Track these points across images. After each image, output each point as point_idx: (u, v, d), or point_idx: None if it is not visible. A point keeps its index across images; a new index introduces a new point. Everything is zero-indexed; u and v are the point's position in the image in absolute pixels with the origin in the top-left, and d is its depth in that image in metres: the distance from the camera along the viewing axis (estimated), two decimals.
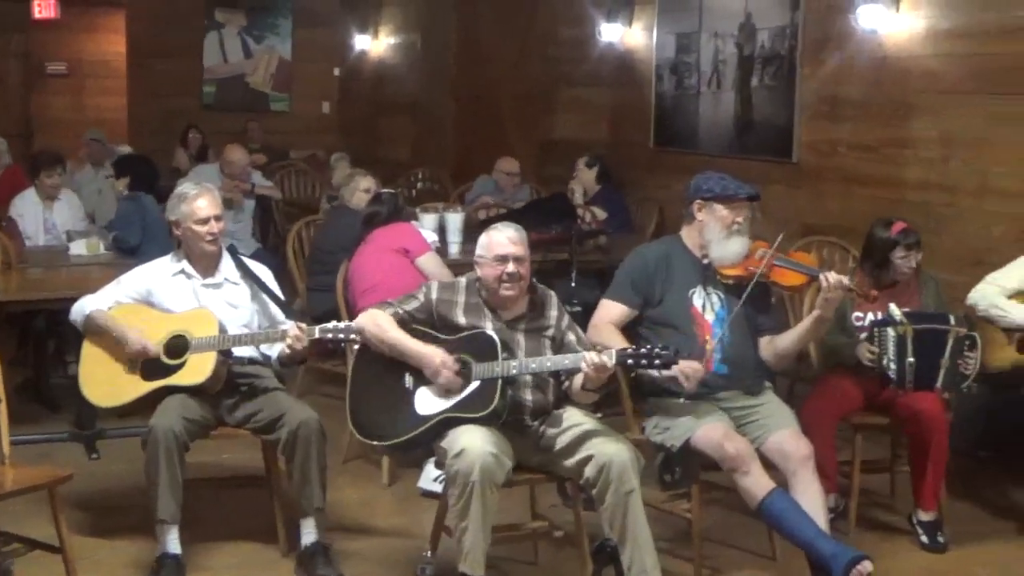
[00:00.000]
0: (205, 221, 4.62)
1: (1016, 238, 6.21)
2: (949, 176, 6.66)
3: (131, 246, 6.58)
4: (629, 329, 4.59)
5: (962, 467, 5.59)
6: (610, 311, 4.58)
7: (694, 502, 4.53)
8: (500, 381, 4.06)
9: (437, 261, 5.99)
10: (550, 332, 4.32)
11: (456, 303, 4.28)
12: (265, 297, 4.77)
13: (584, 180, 8.64)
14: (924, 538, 4.96)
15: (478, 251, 4.28)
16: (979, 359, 4.91)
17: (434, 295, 4.31)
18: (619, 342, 4.42)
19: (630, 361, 3.98)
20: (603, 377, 4.05)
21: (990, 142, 6.42)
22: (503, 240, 4.23)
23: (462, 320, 4.24)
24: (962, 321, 4.97)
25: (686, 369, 4.28)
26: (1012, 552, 4.97)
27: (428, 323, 4.28)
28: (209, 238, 4.64)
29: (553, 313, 4.35)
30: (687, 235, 4.68)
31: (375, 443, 4.27)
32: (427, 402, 4.15)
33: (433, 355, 4.14)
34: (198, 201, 4.63)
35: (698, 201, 4.61)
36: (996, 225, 6.39)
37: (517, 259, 4.21)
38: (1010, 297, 5.37)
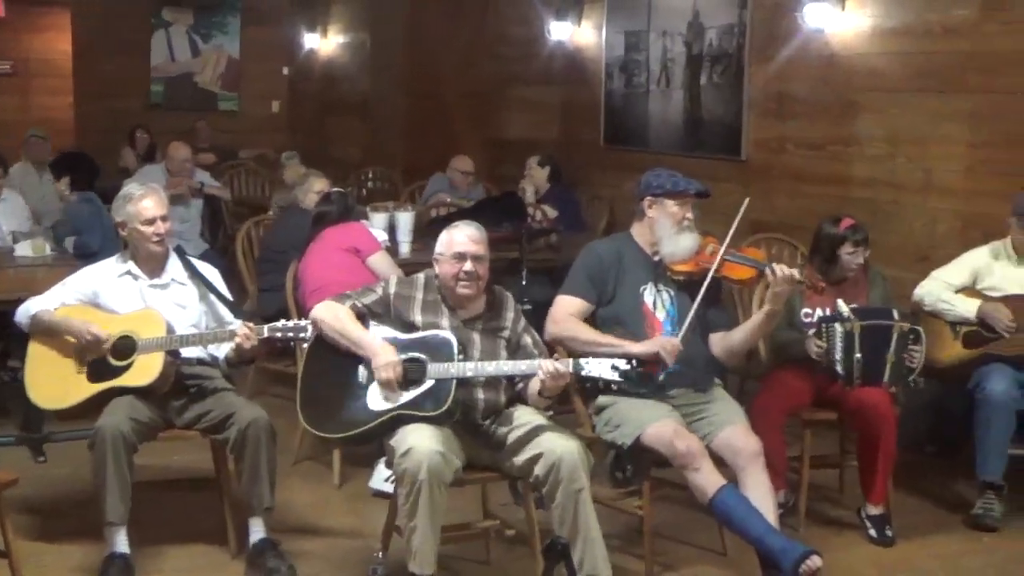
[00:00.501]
0: (151, 221, 4.58)
1: (960, 234, 6.29)
2: (895, 173, 6.73)
3: (93, 251, 6.42)
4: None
5: (909, 461, 5.64)
6: (568, 306, 4.58)
7: (645, 499, 4.55)
8: (454, 381, 4.06)
9: (388, 260, 5.97)
10: (506, 333, 4.32)
11: (414, 299, 4.27)
12: (213, 297, 4.74)
13: (536, 179, 8.65)
14: (872, 532, 5.00)
15: (438, 248, 4.28)
16: (924, 352, 4.96)
17: (392, 289, 4.30)
18: (586, 331, 4.45)
19: (586, 371, 3.99)
20: (560, 385, 4.05)
21: (934, 139, 6.49)
22: (463, 238, 4.22)
23: (419, 317, 4.23)
24: (906, 316, 5.03)
25: (666, 344, 4.31)
26: (958, 544, 5.03)
27: (384, 317, 4.26)
28: (155, 239, 4.60)
29: (510, 315, 4.36)
30: (638, 232, 4.70)
31: (326, 435, 4.25)
32: (380, 397, 4.13)
33: (385, 353, 4.13)
34: (144, 201, 4.59)
35: (648, 198, 4.63)
36: (941, 221, 6.46)
37: (476, 258, 4.21)
38: (956, 292, 5.44)
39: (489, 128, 10.64)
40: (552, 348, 4.48)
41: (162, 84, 13.56)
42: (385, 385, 4.09)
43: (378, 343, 4.16)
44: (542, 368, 4.01)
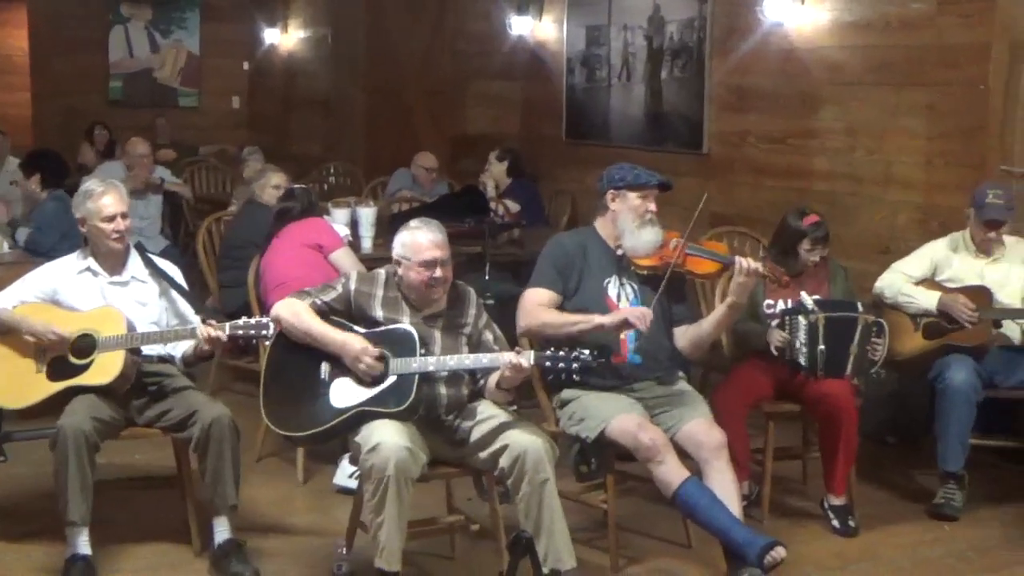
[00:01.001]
0: (111, 219, 4.55)
1: (920, 226, 6.35)
2: (854, 166, 6.77)
3: (42, 251, 6.34)
4: None
5: (871, 452, 5.69)
6: (538, 298, 4.57)
7: (609, 492, 4.56)
8: (417, 377, 4.05)
9: (351, 257, 5.95)
10: (467, 330, 4.31)
11: (374, 296, 4.25)
12: (174, 294, 4.71)
13: (495, 173, 8.65)
14: (835, 522, 5.03)
15: (399, 251, 4.22)
16: (887, 345, 5.00)
17: (352, 286, 4.28)
18: (555, 316, 4.46)
19: (548, 364, 3.99)
20: (519, 377, 4.05)
21: (893, 132, 6.55)
22: (427, 244, 4.17)
23: (379, 313, 4.22)
24: (869, 308, 5.06)
25: (634, 311, 4.33)
26: (919, 534, 5.07)
27: (345, 314, 4.24)
28: (115, 235, 4.57)
29: (472, 311, 4.34)
30: (601, 226, 4.71)
31: (290, 434, 4.23)
32: (342, 394, 4.12)
33: (354, 342, 4.11)
34: (104, 199, 4.55)
35: (611, 191, 4.64)
36: (900, 213, 6.52)
37: (443, 263, 4.19)
38: (916, 284, 5.48)
39: (451, 124, 10.63)
40: (516, 342, 4.47)
41: (121, 80, 13.44)
42: (368, 371, 4.07)
43: (344, 335, 4.14)
44: (503, 361, 4.00)
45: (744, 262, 4.44)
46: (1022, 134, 5.90)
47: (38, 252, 6.40)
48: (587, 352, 3.97)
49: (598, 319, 4.38)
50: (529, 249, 6.53)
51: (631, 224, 4.56)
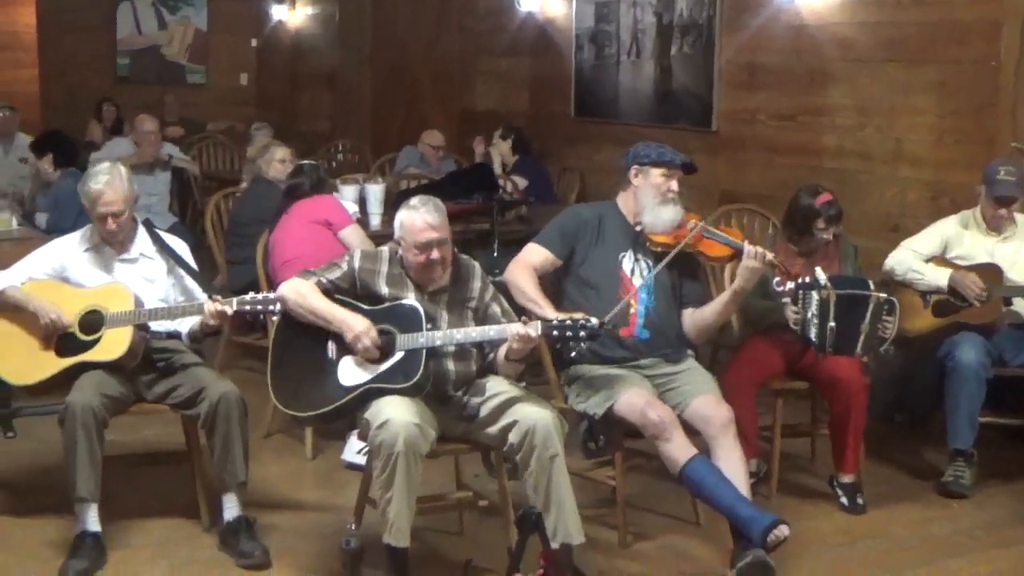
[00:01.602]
0: (103, 219, 4.53)
1: (930, 203, 6.33)
2: (864, 143, 6.75)
3: (65, 231, 6.33)
4: (554, 286, 4.61)
5: (879, 430, 5.68)
6: (534, 254, 4.60)
7: (617, 469, 4.56)
8: (424, 352, 4.04)
9: (360, 234, 5.94)
10: (473, 304, 4.30)
11: (379, 273, 4.24)
12: (181, 271, 4.71)
13: (501, 151, 8.63)
14: (844, 500, 5.03)
15: (398, 230, 4.21)
16: (897, 323, 4.97)
17: (356, 264, 4.27)
18: (527, 284, 4.45)
19: (555, 333, 3.98)
20: (527, 348, 4.04)
21: (903, 109, 6.52)
22: (422, 225, 4.14)
23: (384, 290, 4.21)
24: (881, 286, 5.04)
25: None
26: (927, 512, 5.07)
27: (350, 292, 4.24)
28: (107, 232, 4.56)
29: (476, 284, 4.33)
30: (622, 201, 4.71)
31: (297, 414, 4.23)
32: (350, 373, 4.12)
33: (356, 322, 4.10)
34: (102, 197, 4.51)
35: (635, 166, 4.64)
36: (910, 191, 6.50)
37: (440, 243, 4.17)
38: (926, 261, 5.46)
39: (459, 100, 10.61)
40: (521, 313, 4.46)
41: (128, 57, 13.40)
42: (365, 353, 4.08)
43: (347, 314, 4.14)
44: (510, 332, 4.00)
45: (755, 249, 4.44)
46: None
47: (63, 231, 6.40)
48: (594, 320, 3.96)
49: (550, 313, 4.27)
50: (537, 226, 6.50)
51: (651, 201, 4.57)
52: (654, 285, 4.57)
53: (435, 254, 4.14)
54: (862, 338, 4.85)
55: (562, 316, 4.05)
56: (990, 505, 5.13)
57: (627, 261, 4.61)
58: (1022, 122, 5.92)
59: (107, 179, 4.53)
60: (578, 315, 3.99)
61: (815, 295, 4.84)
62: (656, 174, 4.59)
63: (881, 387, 5.59)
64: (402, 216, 4.21)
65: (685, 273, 4.64)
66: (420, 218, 4.15)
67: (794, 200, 5.22)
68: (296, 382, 4.20)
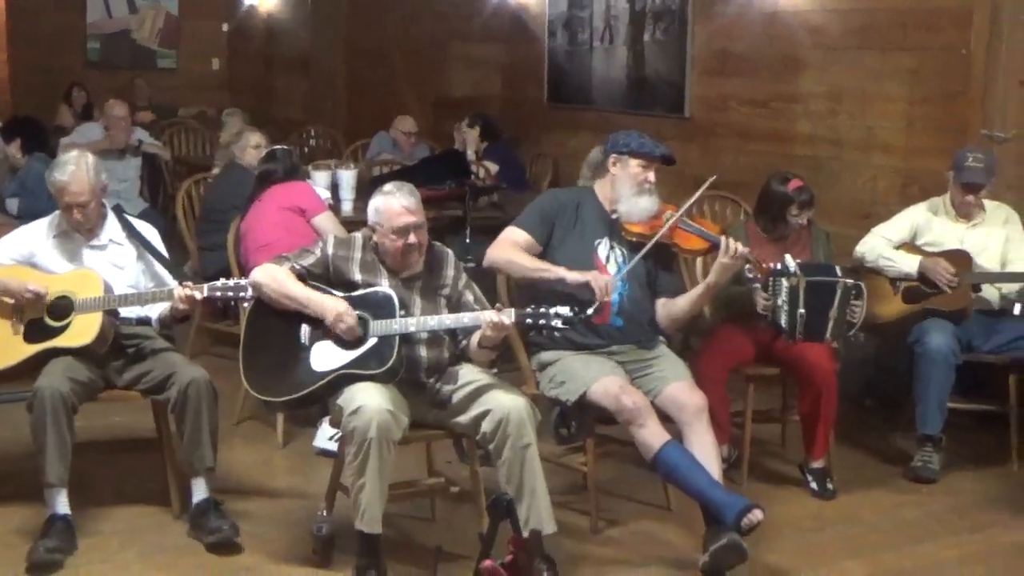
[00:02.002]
0: (68, 208, 4.51)
1: (901, 190, 6.35)
2: (836, 131, 6.77)
3: (40, 213, 6.28)
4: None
5: (850, 416, 5.71)
6: (515, 236, 4.59)
7: (589, 455, 4.57)
8: (397, 338, 4.04)
9: (333, 221, 5.92)
10: (446, 291, 4.30)
11: (352, 259, 4.24)
12: (151, 257, 4.68)
13: (470, 140, 8.61)
14: (814, 485, 5.06)
15: (373, 216, 4.20)
16: (865, 307, 4.99)
17: (330, 250, 4.26)
18: (525, 257, 4.47)
19: (529, 321, 3.98)
20: (500, 335, 4.05)
21: (875, 96, 6.54)
22: (399, 209, 4.14)
23: (358, 277, 4.20)
24: (848, 272, 5.06)
25: (599, 279, 4.33)
26: (897, 497, 5.10)
27: (324, 279, 4.23)
28: (76, 219, 4.53)
29: (450, 272, 4.33)
30: (600, 188, 4.72)
31: (270, 399, 4.23)
32: (323, 358, 4.11)
33: (335, 304, 4.10)
34: (69, 187, 4.49)
35: (614, 155, 4.65)
36: (882, 178, 6.52)
37: (417, 227, 4.16)
38: (896, 248, 5.49)
39: (432, 86, 10.58)
40: (494, 301, 4.46)
41: (98, 41, 13.31)
42: (348, 333, 4.06)
43: (325, 297, 4.13)
44: (484, 319, 4.00)
45: (731, 243, 4.46)
46: (1003, 99, 5.90)
47: (35, 216, 6.35)
48: (567, 308, 3.97)
49: (562, 272, 4.38)
50: (510, 212, 6.50)
51: (628, 191, 4.58)
52: (625, 270, 4.57)
53: (412, 238, 4.14)
54: (831, 324, 4.87)
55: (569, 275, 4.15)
56: (959, 490, 5.17)
57: (602, 248, 4.61)
58: (992, 110, 5.94)
59: (73, 170, 4.50)
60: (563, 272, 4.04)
61: (785, 282, 4.86)
62: (634, 164, 4.59)
63: (851, 373, 5.62)
64: (377, 202, 4.20)
65: (660, 263, 4.65)
66: (397, 203, 4.15)
67: (765, 188, 5.24)
68: (269, 367, 4.20)
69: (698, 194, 4.62)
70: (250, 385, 4.21)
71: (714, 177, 4.69)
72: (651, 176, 4.61)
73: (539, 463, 4.06)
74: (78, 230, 4.59)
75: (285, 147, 6.37)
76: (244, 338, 4.29)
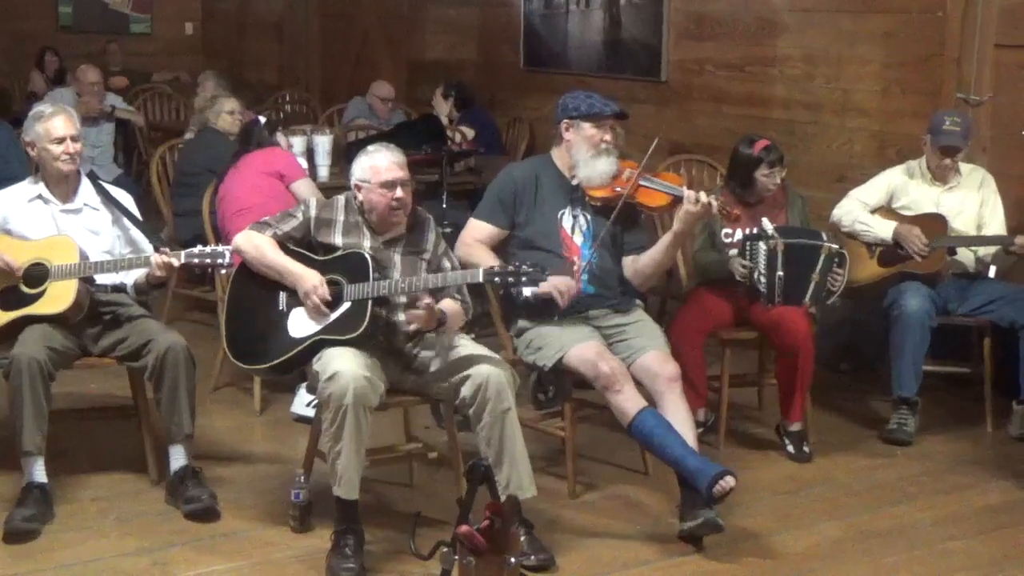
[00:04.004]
0: (60, 140, 4.47)
1: (877, 154, 6.37)
2: (812, 94, 6.77)
3: (15, 177, 6.21)
4: (500, 250, 4.59)
5: (826, 379, 5.74)
6: (478, 230, 4.59)
7: (567, 420, 4.58)
8: (370, 302, 4.03)
9: (312, 187, 5.87)
10: (427, 255, 4.29)
11: (335, 221, 4.22)
12: (127, 223, 4.65)
13: (442, 110, 8.55)
14: (790, 448, 5.09)
15: (359, 175, 4.19)
16: (846, 275, 5.00)
17: (312, 213, 4.24)
18: (487, 257, 4.44)
19: (497, 279, 3.99)
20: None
21: (850, 60, 6.54)
22: (387, 164, 4.15)
23: (339, 240, 4.19)
24: (832, 238, 5.07)
25: (559, 284, 4.31)
26: (872, 459, 5.13)
27: (304, 242, 4.22)
28: (64, 158, 4.49)
29: (431, 237, 4.32)
30: (557, 156, 4.67)
31: (249, 367, 4.23)
32: (300, 324, 4.11)
33: (309, 277, 4.09)
34: (53, 120, 4.48)
35: (565, 121, 4.59)
36: (857, 142, 6.53)
37: (403, 183, 4.16)
38: (872, 211, 5.50)
39: (408, 50, 10.50)
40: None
41: (71, 5, 13.14)
42: (314, 309, 4.06)
43: (301, 268, 4.12)
44: (455, 280, 4.05)
45: (693, 193, 4.42)
46: (979, 62, 5.91)
47: (3, 183, 6.29)
48: (534, 267, 3.98)
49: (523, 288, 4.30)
50: (486, 177, 6.49)
51: (585, 154, 4.53)
52: (594, 239, 4.54)
53: (399, 192, 4.14)
54: (811, 287, 4.89)
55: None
56: (933, 452, 5.21)
57: (567, 218, 4.59)
58: (968, 73, 5.95)
59: (52, 110, 4.54)
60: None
61: (763, 245, 4.87)
62: (588, 127, 4.54)
63: (828, 336, 5.64)
64: (362, 161, 4.21)
65: (625, 222, 4.61)
66: (384, 159, 4.17)
67: (733, 154, 5.24)
68: (249, 335, 4.20)
69: (651, 149, 4.55)
70: (231, 352, 4.21)
71: (657, 139, 4.61)
72: (607, 136, 4.55)
73: (519, 428, 4.07)
74: (63, 175, 4.53)
75: (260, 119, 6.26)
76: (227, 304, 4.29)
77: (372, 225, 4.22)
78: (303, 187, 5.81)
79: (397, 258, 4.21)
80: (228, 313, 4.27)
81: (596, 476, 4.81)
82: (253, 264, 4.21)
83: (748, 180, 5.15)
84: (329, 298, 4.07)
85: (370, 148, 4.27)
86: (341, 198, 4.30)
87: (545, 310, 4.45)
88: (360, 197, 4.21)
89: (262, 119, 6.15)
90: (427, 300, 3.99)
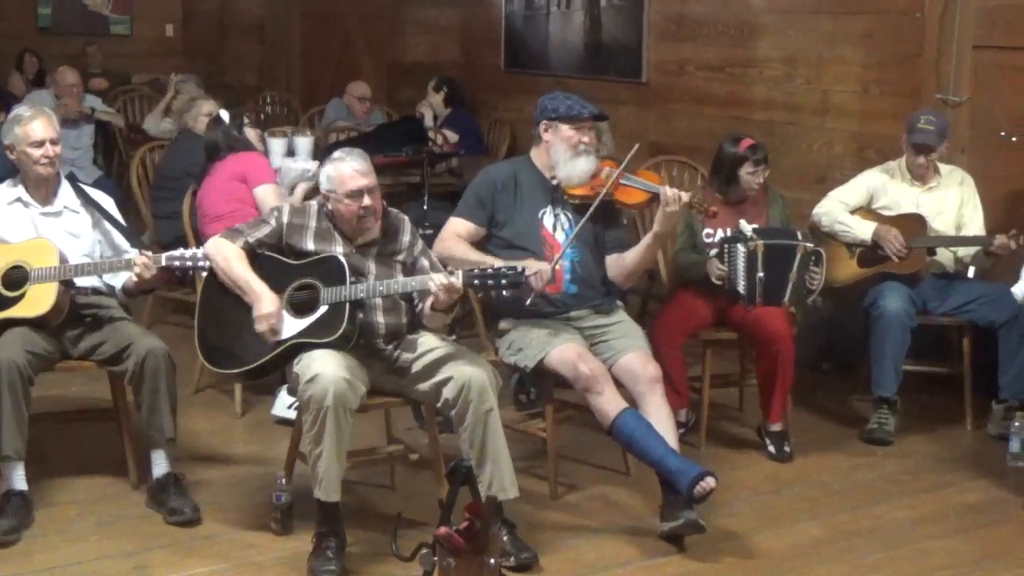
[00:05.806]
0: (40, 144, 4.45)
1: (856, 154, 6.39)
2: (793, 95, 6.79)
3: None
4: (480, 250, 4.58)
5: (806, 379, 5.76)
6: (456, 228, 4.59)
7: (548, 421, 4.58)
8: (348, 305, 4.03)
9: (275, 193, 5.67)
10: (401, 257, 4.28)
11: (307, 227, 4.21)
12: (108, 225, 4.63)
13: (433, 104, 8.57)
14: (771, 448, 5.10)
15: (326, 184, 4.17)
16: (824, 275, 5.02)
17: (285, 219, 4.23)
18: (466, 250, 4.46)
19: (477, 281, 3.98)
20: (452, 298, 4.03)
21: (830, 61, 6.56)
22: (351, 173, 4.12)
23: (311, 246, 4.17)
24: (808, 237, 5.09)
25: (534, 267, 4.30)
26: (853, 459, 5.15)
27: (276, 248, 4.20)
28: (44, 161, 4.47)
29: (406, 238, 4.31)
30: (536, 156, 4.68)
31: (224, 371, 4.22)
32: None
33: (267, 304, 4.06)
34: (32, 124, 4.46)
35: (544, 122, 4.60)
36: (837, 142, 6.56)
37: (370, 191, 4.14)
38: (852, 212, 5.52)
39: (388, 51, 10.49)
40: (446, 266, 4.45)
41: (50, 7, 13.09)
42: (261, 336, 4.05)
43: (262, 289, 4.10)
44: (433, 281, 3.99)
45: (670, 192, 4.44)
46: (958, 63, 5.94)
47: None
48: (516, 267, 3.98)
49: (498, 263, 4.24)
50: (467, 179, 6.48)
51: (564, 155, 4.53)
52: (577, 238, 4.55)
53: (367, 201, 4.12)
54: (790, 287, 4.90)
55: (499, 264, 4.08)
56: (913, 452, 5.23)
57: (548, 217, 4.60)
58: (947, 73, 5.98)
59: (31, 114, 4.51)
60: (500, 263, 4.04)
61: (741, 248, 4.88)
62: (566, 129, 4.54)
63: (808, 336, 5.66)
64: (328, 169, 4.18)
65: (605, 221, 4.62)
66: (348, 167, 4.13)
67: (718, 151, 5.25)
68: (223, 339, 4.19)
69: (630, 155, 4.56)
70: (205, 357, 4.20)
71: (636, 147, 4.61)
72: (585, 138, 4.55)
73: (501, 429, 4.07)
74: (42, 178, 4.51)
75: (226, 120, 6.13)
76: (199, 308, 4.26)
77: (344, 232, 4.21)
78: (265, 192, 5.65)
79: (371, 263, 4.20)
80: (200, 317, 4.24)
81: (578, 477, 4.82)
82: (219, 274, 4.20)
83: (732, 178, 5.16)
84: (279, 328, 4.05)
85: (335, 155, 4.23)
86: (314, 203, 4.28)
87: (519, 296, 4.43)
88: (328, 206, 4.20)
89: (224, 114, 6.03)
90: (446, 280, 3.96)
